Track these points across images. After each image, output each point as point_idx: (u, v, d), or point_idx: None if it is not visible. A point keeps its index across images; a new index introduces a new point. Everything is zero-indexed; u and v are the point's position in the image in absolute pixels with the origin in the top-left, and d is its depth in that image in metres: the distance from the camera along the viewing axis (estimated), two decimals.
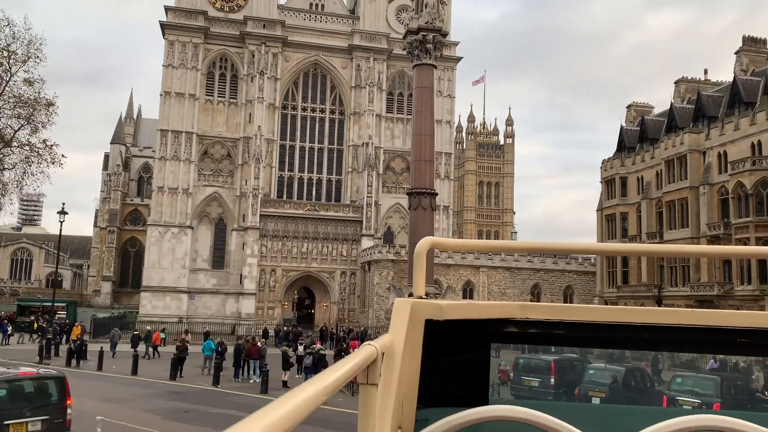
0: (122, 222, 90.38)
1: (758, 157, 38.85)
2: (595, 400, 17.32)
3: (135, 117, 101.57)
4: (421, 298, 1.65)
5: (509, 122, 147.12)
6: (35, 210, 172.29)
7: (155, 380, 28.28)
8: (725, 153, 42.13)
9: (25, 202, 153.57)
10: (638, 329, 1.64)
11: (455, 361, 1.68)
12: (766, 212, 37.47)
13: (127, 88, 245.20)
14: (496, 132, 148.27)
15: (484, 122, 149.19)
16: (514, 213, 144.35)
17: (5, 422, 11.23)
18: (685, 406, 16.45)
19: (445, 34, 25.26)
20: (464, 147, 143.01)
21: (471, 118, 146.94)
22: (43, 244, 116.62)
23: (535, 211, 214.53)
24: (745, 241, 39.12)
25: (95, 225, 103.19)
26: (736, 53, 46.79)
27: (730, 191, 40.83)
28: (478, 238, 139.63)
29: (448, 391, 1.70)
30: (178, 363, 29.23)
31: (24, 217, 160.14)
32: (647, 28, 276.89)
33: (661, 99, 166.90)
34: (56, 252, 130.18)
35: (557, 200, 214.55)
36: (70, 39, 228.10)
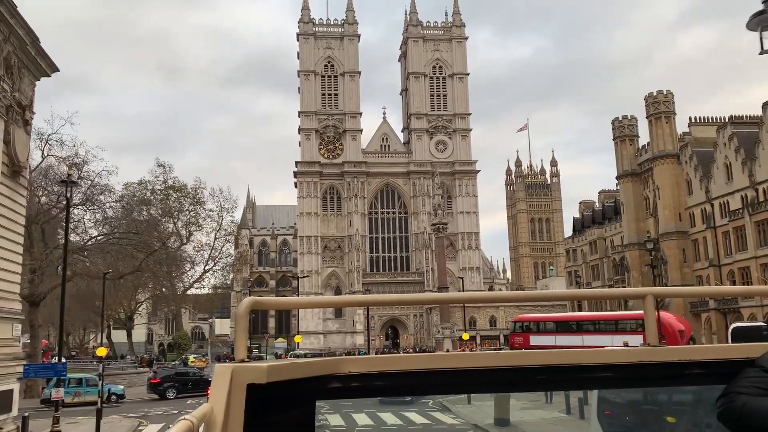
0: (251, 286, 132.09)
1: (622, 245, 75.99)
2: None
3: (252, 204, 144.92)
4: (243, 361, 1.62)
5: (553, 163, 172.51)
6: None
7: None
8: (612, 240, 79.42)
9: None
10: (449, 374, 1.74)
11: (280, 425, 1.61)
12: (626, 273, 74.22)
13: (189, 148, 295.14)
14: (543, 172, 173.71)
15: (531, 165, 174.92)
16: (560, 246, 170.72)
17: None
18: None
19: (445, 225, 64.23)
20: (514, 188, 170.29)
21: (518, 162, 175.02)
22: (187, 305, 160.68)
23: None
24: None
25: (232, 289, 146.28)
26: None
27: (617, 261, 77.97)
28: (534, 271, 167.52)
29: None
30: None
31: None
32: (679, 47, 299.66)
33: (706, 110, 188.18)
34: (195, 311, 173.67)
35: None
36: (136, 113, 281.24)
